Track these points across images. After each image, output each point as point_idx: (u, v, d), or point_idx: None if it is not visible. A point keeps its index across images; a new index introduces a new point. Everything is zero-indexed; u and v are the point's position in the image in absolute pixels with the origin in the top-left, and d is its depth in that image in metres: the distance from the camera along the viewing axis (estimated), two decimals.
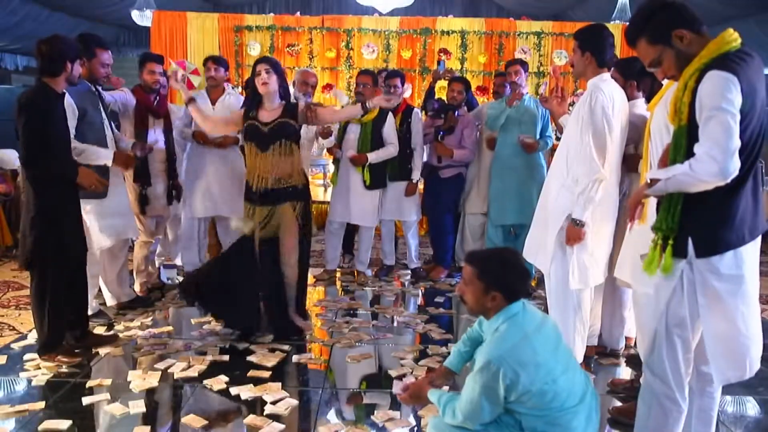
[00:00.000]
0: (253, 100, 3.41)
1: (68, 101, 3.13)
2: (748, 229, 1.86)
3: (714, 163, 1.73)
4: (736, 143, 1.74)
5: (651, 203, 2.11)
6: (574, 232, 2.70)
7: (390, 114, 4.52)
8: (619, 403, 2.74)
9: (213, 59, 4.34)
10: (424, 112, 4.92)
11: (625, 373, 3.12)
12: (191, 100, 3.50)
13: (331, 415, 2.64)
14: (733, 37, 1.82)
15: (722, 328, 1.90)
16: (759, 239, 1.94)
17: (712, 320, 1.90)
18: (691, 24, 1.86)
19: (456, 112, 4.58)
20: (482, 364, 1.78)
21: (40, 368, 3.00)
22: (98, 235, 3.51)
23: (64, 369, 2.98)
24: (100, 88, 3.60)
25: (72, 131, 3.16)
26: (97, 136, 3.42)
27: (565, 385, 1.82)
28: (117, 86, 4.01)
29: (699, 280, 1.88)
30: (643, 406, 2.09)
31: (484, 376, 1.77)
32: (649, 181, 1.93)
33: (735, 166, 1.75)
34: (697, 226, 1.86)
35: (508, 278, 1.87)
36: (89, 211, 3.43)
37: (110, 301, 3.87)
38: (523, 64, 4.51)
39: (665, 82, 2.27)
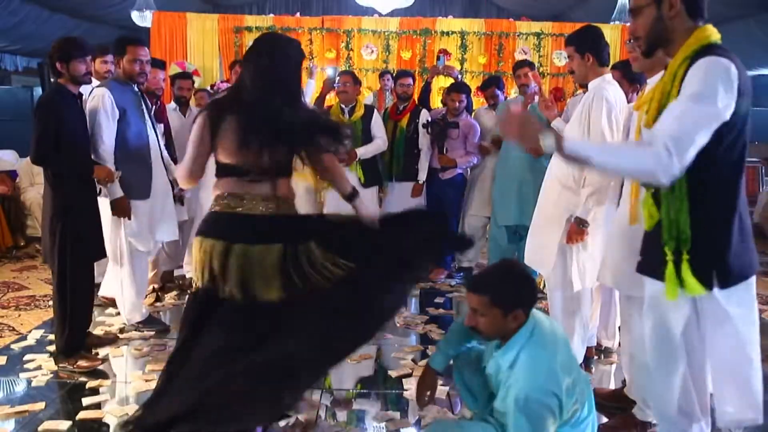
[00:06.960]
0: None
1: (106, 101, 3.13)
2: (754, 257, 1.72)
3: (661, 160, 1.50)
4: (700, 141, 1.53)
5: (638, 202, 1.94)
6: (577, 232, 2.70)
7: (375, 110, 4.53)
8: (605, 419, 2.59)
9: None
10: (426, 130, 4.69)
11: (622, 374, 3.11)
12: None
13: (331, 416, 2.64)
14: (716, 32, 1.65)
15: (730, 356, 1.69)
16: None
17: (719, 347, 1.69)
18: (690, 2, 1.66)
19: (457, 124, 4.57)
20: (521, 403, 1.71)
21: (40, 368, 3.00)
22: None
23: (82, 378, 2.91)
24: (141, 90, 3.43)
25: (113, 131, 3.17)
26: (138, 140, 3.31)
27: (585, 389, 1.85)
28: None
29: (708, 304, 1.68)
30: None
31: (528, 415, 1.70)
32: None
33: (682, 169, 1.52)
34: (718, 257, 1.64)
35: (524, 293, 1.85)
36: None
37: None
38: (531, 65, 4.40)
39: (653, 80, 2.19)
